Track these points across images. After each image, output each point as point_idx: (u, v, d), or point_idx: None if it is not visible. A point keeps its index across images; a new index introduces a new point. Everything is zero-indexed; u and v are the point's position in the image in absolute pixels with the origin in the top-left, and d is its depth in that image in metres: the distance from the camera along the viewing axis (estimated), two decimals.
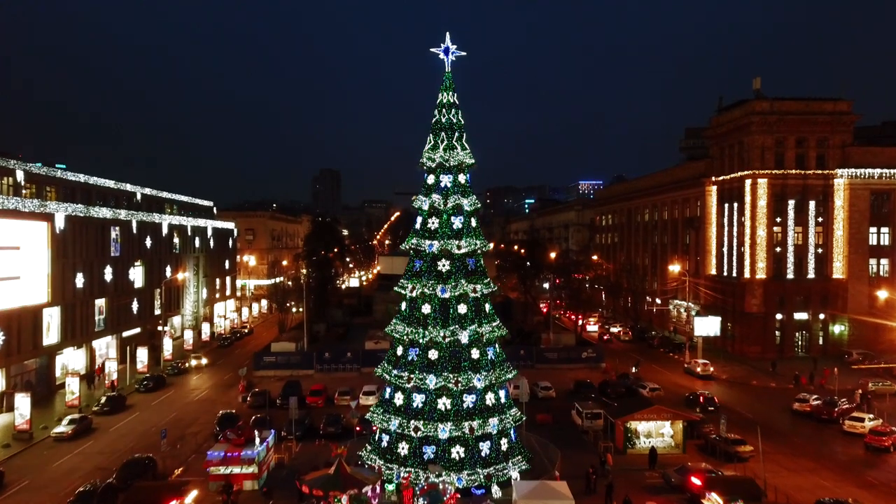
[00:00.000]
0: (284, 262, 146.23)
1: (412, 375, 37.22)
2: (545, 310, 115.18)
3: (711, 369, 66.80)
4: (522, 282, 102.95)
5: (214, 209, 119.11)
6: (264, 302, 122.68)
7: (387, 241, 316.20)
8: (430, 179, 39.63)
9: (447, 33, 40.25)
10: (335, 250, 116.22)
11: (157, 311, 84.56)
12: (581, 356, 71.37)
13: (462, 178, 39.65)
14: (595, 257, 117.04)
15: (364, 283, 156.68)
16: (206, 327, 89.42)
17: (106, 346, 72.23)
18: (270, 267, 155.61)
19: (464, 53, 40.69)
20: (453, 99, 39.88)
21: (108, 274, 70.98)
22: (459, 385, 36.53)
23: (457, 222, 38.82)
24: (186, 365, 72.09)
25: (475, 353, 37.63)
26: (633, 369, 64.26)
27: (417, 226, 39.72)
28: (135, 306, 77.64)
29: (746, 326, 76.00)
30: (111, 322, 71.86)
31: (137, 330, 78.37)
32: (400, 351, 38.97)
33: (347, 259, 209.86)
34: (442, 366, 37.05)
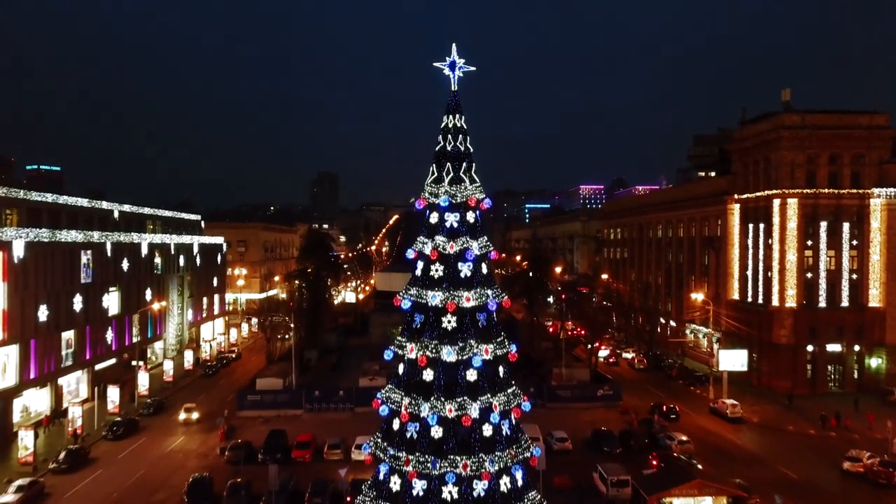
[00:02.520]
0: (276, 278, 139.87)
1: (411, 457, 31.00)
2: (552, 329, 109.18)
3: (741, 411, 60.57)
4: (529, 303, 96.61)
5: (202, 223, 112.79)
6: (254, 320, 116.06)
7: (384, 249, 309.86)
8: (434, 217, 33.42)
9: (453, 45, 34.09)
10: (329, 265, 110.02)
11: (137, 338, 78.40)
12: (596, 394, 65.16)
13: (471, 216, 33.42)
14: (605, 276, 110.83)
15: (360, 297, 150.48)
16: (188, 354, 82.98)
17: (76, 382, 66.06)
18: (263, 280, 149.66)
19: (473, 68, 34.52)
20: (461, 123, 33.71)
21: (78, 303, 64.73)
22: (469, 469, 30.35)
23: (465, 269, 32.60)
24: (183, 418, 60.43)
25: (487, 430, 31.43)
26: (652, 416, 57.68)
27: (418, 272, 33.51)
28: (109, 335, 71.40)
29: (775, 359, 69.85)
30: (81, 355, 65.60)
31: (112, 361, 72.17)
32: (397, 425, 32.67)
33: (345, 267, 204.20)
34: (448, 445, 30.83)
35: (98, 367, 69.29)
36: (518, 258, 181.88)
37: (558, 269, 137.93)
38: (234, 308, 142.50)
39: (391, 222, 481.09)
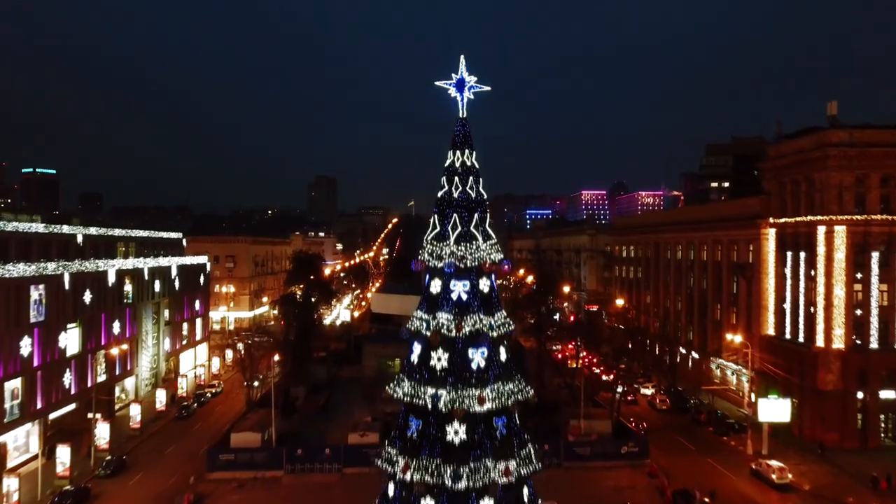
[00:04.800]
0: (265, 299, 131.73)
1: None
2: (560, 354, 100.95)
3: (790, 476, 52.32)
4: (538, 331, 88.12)
5: (184, 241, 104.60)
6: (240, 345, 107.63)
7: (382, 257, 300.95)
8: (435, 286, 25.30)
9: (461, 58, 26.00)
10: (319, 286, 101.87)
11: (103, 377, 70.24)
12: (620, 451, 56.91)
13: (485, 284, 25.33)
14: (620, 301, 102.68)
15: (356, 315, 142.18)
16: (161, 394, 74.57)
17: (25, 436, 57.84)
18: (253, 296, 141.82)
19: (487, 88, 26.49)
20: (472, 160, 25.64)
21: (26, 346, 56.55)
22: None
23: (477, 358, 24.47)
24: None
25: None
26: (708, 501, 48.52)
27: (414, 358, 25.35)
28: (67, 379, 63.20)
29: (819, 407, 61.69)
30: (31, 406, 57.36)
31: (72, 407, 64.04)
32: None
33: (342, 278, 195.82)
34: None
35: (54, 415, 61.30)
36: (522, 272, 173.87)
37: (567, 289, 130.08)
38: (222, 327, 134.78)
39: (390, 226, 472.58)
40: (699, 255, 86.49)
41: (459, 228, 24.98)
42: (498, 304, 25.62)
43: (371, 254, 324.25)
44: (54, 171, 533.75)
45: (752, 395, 67.48)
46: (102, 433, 59.99)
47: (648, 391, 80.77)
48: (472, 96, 26.19)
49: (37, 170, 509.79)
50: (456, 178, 25.30)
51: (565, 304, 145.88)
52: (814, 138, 63.54)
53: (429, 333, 24.45)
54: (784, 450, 59.73)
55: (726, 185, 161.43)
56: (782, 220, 68.26)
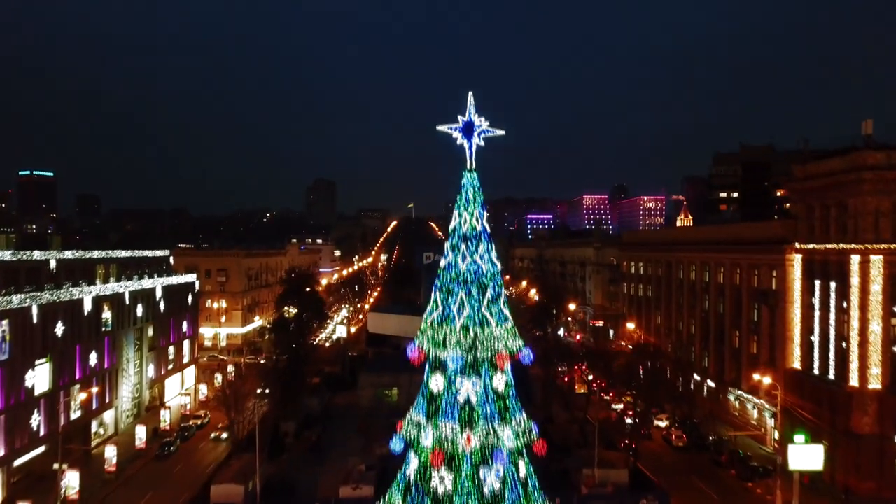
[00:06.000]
0: (257, 317, 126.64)
1: None
2: (566, 378, 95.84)
3: None
4: (545, 358, 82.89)
5: (171, 258, 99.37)
6: (231, 367, 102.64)
7: (380, 263, 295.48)
8: (437, 383, 20.27)
9: (469, 95, 20.99)
10: (312, 304, 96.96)
11: (77, 413, 65.28)
12: None
13: (500, 381, 20.30)
14: (631, 325, 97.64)
15: (352, 331, 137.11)
16: (140, 431, 69.27)
17: None
18: (246, 311, 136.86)
19: (501, 132, 21.48)
20: (481, 223, 20.62)
21: None
22: None
23: (490, 478, 19.43)
24: None
25: None
26: None
27: (409, 474, 20.32)
28: (35, 420, 58.19)
29: (854, 453, 56.64)
30: None
31: (41, 450, 58.95)
32: None
33: (340, 289, 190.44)
34: None
35: (20, 461, 56.26)
36: (524, 283, 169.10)
37: (572, 306, 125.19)
38: (214, 344, 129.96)
39: (389, 230, 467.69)
40: (715, 278, 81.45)
41: (467, 309, 19.97)
42: (517, 405, 20.58)
43: (370, 259, 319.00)
44: (52, 174, 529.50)
45: (777, 434, 62.64)
46: (72, 482, 54.74)
47: (662, 423, 75.61)
48: (482, 143, 21.19)
49: (34, 172, 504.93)
50: (463, 247, 20.29)
51: (569, 319, 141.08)
52: (847, 160, 58.47)
53: (428, 446, 19.42)
54: (815, 500, 54.79)
55: (735, 195, 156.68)
56: (810, 245, 63.22)
